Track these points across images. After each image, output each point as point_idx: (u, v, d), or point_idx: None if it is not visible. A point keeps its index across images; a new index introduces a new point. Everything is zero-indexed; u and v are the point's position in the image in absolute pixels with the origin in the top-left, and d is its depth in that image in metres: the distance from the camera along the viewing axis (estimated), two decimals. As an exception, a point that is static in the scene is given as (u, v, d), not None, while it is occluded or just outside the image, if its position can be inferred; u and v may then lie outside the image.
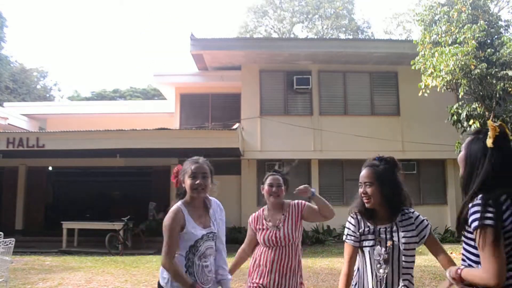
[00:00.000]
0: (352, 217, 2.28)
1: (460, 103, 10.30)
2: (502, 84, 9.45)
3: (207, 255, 2.40)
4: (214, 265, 2.48)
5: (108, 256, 9.49)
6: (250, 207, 11.35)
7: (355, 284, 2.28)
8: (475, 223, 1.61)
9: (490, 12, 10.57)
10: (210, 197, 2.56)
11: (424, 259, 8.30)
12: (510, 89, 9.64)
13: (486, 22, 9.74)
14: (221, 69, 12.94)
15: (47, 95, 31.43)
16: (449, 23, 9.97)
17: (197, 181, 2.35)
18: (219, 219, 2.55)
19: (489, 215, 1.57)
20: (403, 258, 2.15)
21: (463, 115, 10.00)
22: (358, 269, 2.28)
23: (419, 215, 2.23)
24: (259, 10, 29.33)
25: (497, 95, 9.88)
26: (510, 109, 10.06)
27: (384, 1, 45.88)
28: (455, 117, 10.19)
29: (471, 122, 9.86)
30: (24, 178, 13.13)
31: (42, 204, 13.35)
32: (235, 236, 9.79)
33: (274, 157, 11.88)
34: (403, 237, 2.15)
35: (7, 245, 5.54)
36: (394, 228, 2.19)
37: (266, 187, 3.00)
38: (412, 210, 2.25)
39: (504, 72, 9.24)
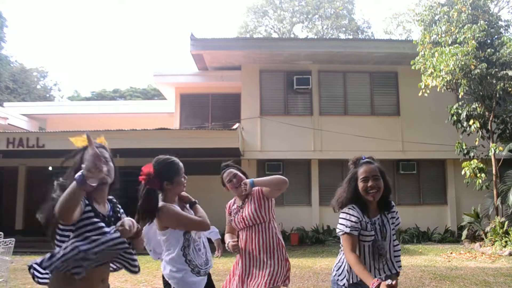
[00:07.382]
0: (351, 209, 2.25)
1: (460, 103, 10.31)
2: (502, 84, 9.45)
3: (197, 239, 2.67)
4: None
5: (108, 256, 9.47)
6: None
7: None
8: None
9: (490, 12, 10.57)
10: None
11: (424, 259, 8.29)
12: (510, 89, 9.65)
13: (486, 22, 9.75)
14: (221, 69, 12.94)
15: (47, 95, 31.39)
16: (449, 23, 9.97)
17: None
18: None
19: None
20: (394, 244, 2.32)
21: (463, 115, 10.01)
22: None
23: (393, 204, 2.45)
24: (259, 10, 29.32)
25: (497, 95, 9.89)
26: (510, 109, 10.07)
27: (384, 1, 45.87)
28: (455, 117, 10.21)
29: (471, 122, 9.88)
30: (24, 178, 13.12)
31: (42, 204, 13.31)
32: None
33: (274, 157, 11.89)
34: (393, 227, 2.34)
35: (7, 245, 5.53)
36: (384, 218, 2.32)
37: (227, 184, 3.12)
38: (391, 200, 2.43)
39: (504, 72, 9.25)
